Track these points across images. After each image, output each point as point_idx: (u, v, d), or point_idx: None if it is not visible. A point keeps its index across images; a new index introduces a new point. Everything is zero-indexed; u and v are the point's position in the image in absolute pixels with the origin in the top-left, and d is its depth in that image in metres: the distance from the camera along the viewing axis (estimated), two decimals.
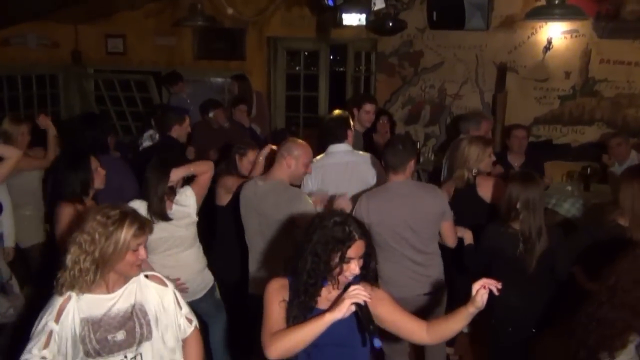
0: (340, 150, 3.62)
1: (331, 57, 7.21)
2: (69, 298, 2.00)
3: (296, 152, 3.08)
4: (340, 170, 3.55)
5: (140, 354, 2.09)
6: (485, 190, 3.57)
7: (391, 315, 2.09)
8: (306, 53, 7.05)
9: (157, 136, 4.98)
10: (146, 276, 2.16)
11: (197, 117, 5.47)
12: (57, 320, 1.98)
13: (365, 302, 1.90)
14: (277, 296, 2.05)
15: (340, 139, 3.64)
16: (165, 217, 3.08)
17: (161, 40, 7.12)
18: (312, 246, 1.99)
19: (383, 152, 3.19)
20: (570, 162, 5.82)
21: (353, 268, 2.00)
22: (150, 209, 3.04)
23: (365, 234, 2.05)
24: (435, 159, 6.02)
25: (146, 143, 5.12)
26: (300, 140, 3.20)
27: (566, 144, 5.95)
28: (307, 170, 3.19)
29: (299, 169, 3.10)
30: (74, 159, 3.14)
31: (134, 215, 2.06)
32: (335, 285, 2.04)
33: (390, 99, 6.49)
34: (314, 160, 3.40)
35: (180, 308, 2.20)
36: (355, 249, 1.99)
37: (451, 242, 3.20)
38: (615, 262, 2.13)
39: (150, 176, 3.08)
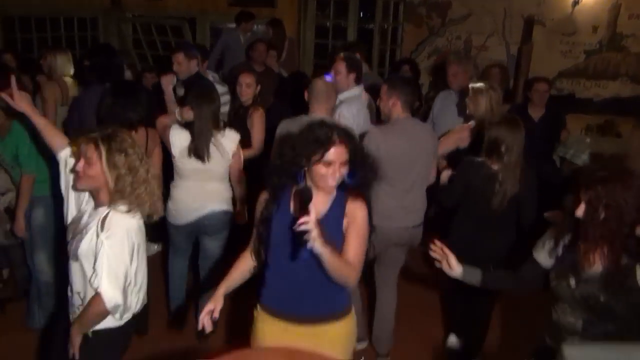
0: None
1: (360, 14, 7.29)
2: None
3: None
4: None
5: None
6: None
7: (344, 236, 2.05)
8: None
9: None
10: None
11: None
12: None
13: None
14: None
15: None
16: (202, 159, 3.25)
17: None
18: (292, 142, 2.06)
19: (400, 87, 3.24)
20: (591, 115, 5.91)
21: (332, 172, 1.98)
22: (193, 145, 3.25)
23: (350, 140, 2.03)
24: None
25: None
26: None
27: (588, 98, 6.00)
28: None
29: None
30: None
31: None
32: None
33: (416, 49, 6.61)
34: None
35: None
36: (336, 153, 1.97)
37: (431, 178, 3.35)
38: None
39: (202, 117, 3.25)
